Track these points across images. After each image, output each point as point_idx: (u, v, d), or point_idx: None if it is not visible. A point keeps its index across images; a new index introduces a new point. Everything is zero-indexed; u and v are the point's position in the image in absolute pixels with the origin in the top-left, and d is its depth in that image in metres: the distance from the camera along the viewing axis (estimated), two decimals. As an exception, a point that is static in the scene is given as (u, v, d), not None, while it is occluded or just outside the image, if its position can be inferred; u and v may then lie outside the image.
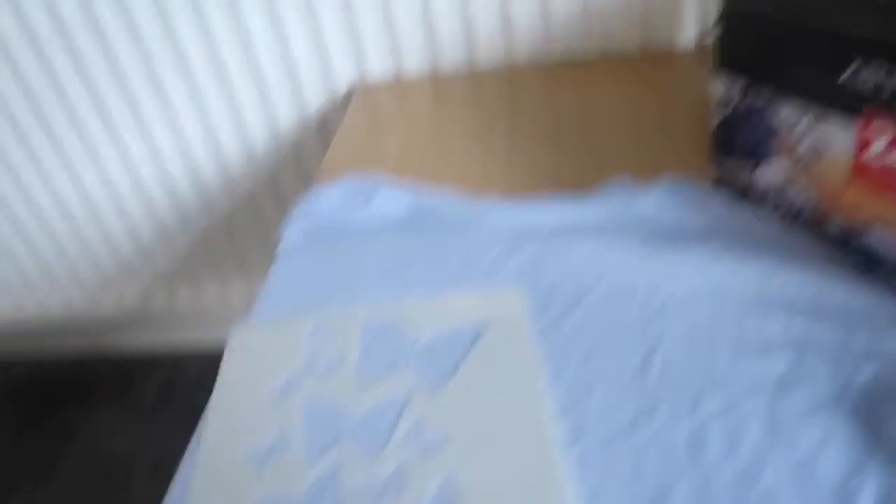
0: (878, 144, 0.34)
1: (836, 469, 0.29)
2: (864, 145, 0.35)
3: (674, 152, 0.53)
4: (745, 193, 0.45)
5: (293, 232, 0.48)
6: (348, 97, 0.84)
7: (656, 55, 0.69)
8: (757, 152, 0.42)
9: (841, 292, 0.37)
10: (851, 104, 0.35)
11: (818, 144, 0.38)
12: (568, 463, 0.30)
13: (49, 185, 0.97)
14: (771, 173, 0.42)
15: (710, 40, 0.62)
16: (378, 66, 0.78)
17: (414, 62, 0.76)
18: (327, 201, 0.49)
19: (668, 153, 0.53)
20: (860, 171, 0.36)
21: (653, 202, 0.44)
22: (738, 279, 0.39)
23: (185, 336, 1.22)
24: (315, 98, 0.84)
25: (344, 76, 0.81)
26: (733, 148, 0.44)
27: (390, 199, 0.48)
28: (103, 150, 0.92)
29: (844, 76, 0.35)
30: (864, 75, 0.34)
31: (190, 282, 1.08)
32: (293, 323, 0.40)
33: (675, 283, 0.39)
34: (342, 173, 0.55)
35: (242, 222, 0.98)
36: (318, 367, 0.37)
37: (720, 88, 0.43)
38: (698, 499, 0.29)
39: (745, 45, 0.40)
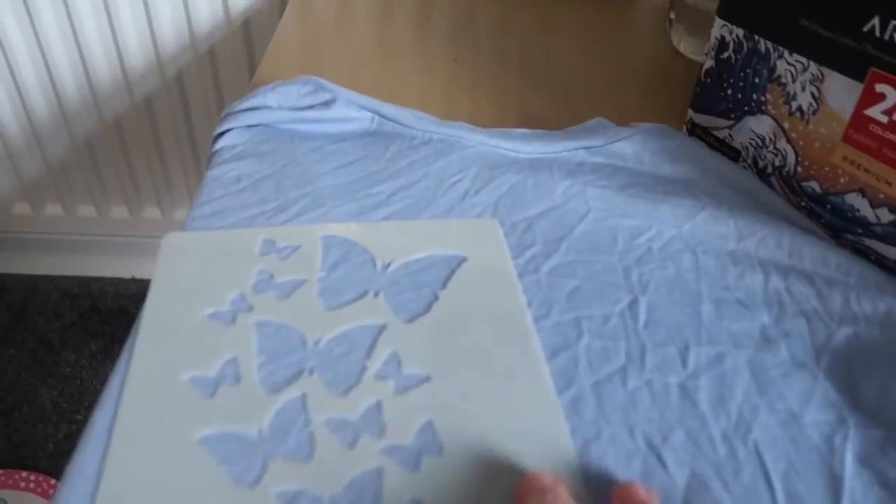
0: (882, 105, 0.34)
1: (821, 423, 0.29)
2: (866, 104, 0.34)
3: (642, 96, 0.52)
4: (720, 146, 0.44)
5: (235, 132, 0.42)
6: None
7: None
8: (743, 103, 0.41)
9: (814, 253, 0.37)
10: (861, 62, 0.34)
11: (817, 100, 0.37)
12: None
13: None
14: (754, 127, 0.41)
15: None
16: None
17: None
18: (280, 99, 0.43)
19: (636, 96, 0.52)
20: (857, 129, 0.35)
21: (631, 147, 0.42)
22: (716, 232, 0.38)
23: (45, 260, 1.09)
24: (241, -5, 0.76)
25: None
26: (717, 98, 0.43)
27: (352, 107, 0.43)
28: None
29: (860, 32, 0.33)
30: (879, 33, 0.33)
31: (61, 199, 0.94)
32: (241, 235, 0.35)
33: (655, 232, 0.38)
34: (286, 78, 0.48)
35: (134, 132, 0.87)
36: (272, 288, 0.32)
37: (715, 35, 0.41)
38: (693, 449, 0.27)
39: (752, -11, 0.38)
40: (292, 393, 0.28)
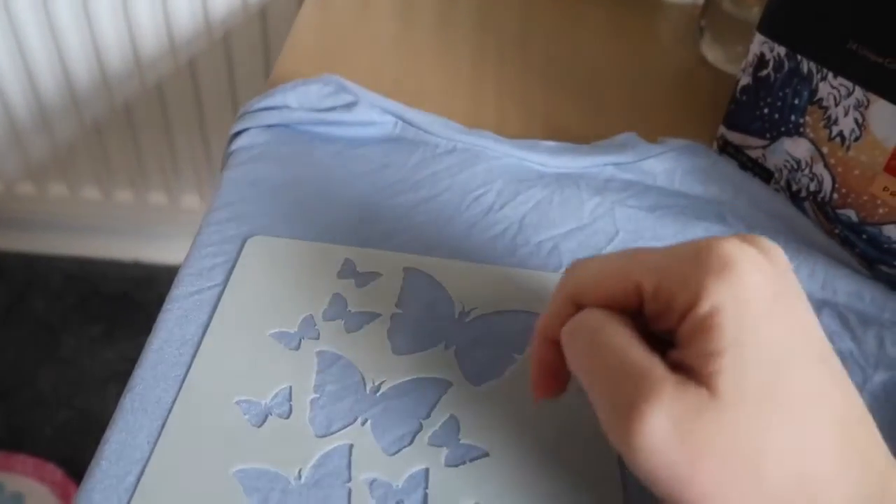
0: (932, 138, 0.32)
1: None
2: (914, 137, 0.33)
3: (668, 105, 0.50)
4: (752, 166, 0.42)
5: (253, 131, 0.41)
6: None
7: None
8: (780, 124, 0.40)
9: (848, 286, 0.36)
10: (912, 91, 0.33)
11: (860, 126, 0.35)
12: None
13: None
14: (790, 149, 0.40)
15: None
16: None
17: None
18: (300, 98, 0.41)
19: (662, 104, 0.50)
20: (902, 163, 0.34)
21: (662, 165, 0.41)
22: (747, 258, 0.37)
23: (46, 240, 1.07)
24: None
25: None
26: (752, 116, 0.41)
27: (375, 111, 0.41)
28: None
29: (913, 59, 0.32)
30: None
31: (67, 180, 0.92)
32: (324, 250, 0.34)
33: (685, 254, 0.36)
34: (305, 76, 0.47)
35: (144, 117, 0.85)
36: (344, 317, 0.31)
37: (754, 51, 0.40)
38: None
39: (799, 11, 0.37)
40: (340, 440, 0.26)
